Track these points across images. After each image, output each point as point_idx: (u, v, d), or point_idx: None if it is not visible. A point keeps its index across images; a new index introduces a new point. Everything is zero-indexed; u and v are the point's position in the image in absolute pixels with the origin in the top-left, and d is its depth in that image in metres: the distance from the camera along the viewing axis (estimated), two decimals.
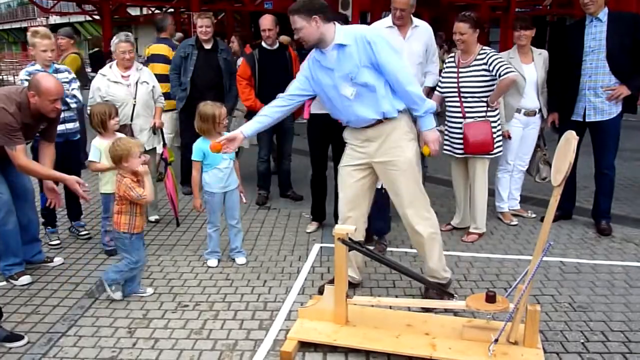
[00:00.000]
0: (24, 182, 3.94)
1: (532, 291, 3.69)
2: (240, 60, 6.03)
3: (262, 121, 3.53)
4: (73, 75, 4.61)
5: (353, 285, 3.65)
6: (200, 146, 3.99)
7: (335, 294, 3.07)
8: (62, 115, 4.34)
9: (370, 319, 3.16)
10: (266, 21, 5.42)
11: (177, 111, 5.96)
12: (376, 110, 3.28)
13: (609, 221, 4.81)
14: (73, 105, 4.45)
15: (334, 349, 2.98)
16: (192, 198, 4.33)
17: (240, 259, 4.20)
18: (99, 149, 4.23)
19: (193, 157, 4.03)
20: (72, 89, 4.47)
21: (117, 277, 3.57)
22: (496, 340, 2.77)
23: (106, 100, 4.63)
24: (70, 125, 4.46)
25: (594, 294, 3.66)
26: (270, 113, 3.54)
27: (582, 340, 3.09)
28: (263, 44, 5.48)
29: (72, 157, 4.40)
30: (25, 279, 3.83)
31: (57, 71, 4.40)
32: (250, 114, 5.65)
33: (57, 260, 4.20)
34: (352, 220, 3.46)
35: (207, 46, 5.70)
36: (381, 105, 3.26)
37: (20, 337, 3.11)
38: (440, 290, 3.29)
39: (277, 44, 5.53)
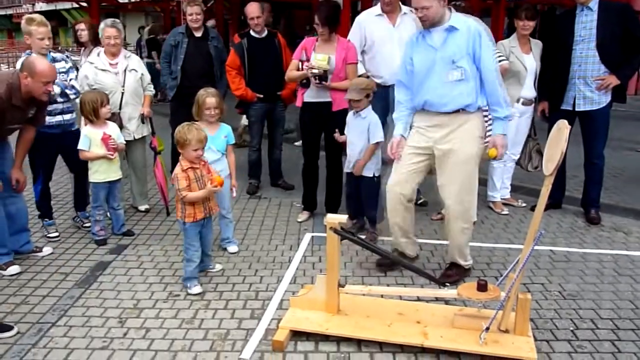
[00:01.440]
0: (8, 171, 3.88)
1: (523, 280, 3.70)
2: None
3: (406, 114, 3.65)
4: (70, 64, 4.54)
5: (412, 260, 3.79)
6: None
7: (327, 283, 3.07)
8: (60, 107, 4.29)
9: (362, 308, 3.16)
10: (252, 8, 5.31)
11: (169, 100, 5.91)
12: (462, 99, 3.38)
13: (598, 210, 4.85)
14: (72, 97, 4.36)
15: (325, 337, 2.98)
16: None
17: (232, 247, 4.18)
18: (88, 137, 4.18)
19: None
20: (70, 80, 4.40)
21: (191, 273, 3.56)
22: (487, 329, 2.79)
23: (94, 89, 4.58)
24: (67, 117, 4.38)
25: (583, 282, 3.69)
26: (407, 102, 3.64)
27: (571, 328, 3.12)
28: (251, 32, 5.39)
29: (73, 147, 4.33)
30: (13, 269, 3.80)
31: (54, 60, 4.33)
32: (240, 103, 5.61)
33: (46, 250, 4.16)
34: (401, 193, 3.61)
35: (198, 34, 5.63)
36: (468, 96, 3.37)
37: (10, 328, 3.08)
38: (431, 279, 3.31)
39: (266, 32, 5.45)
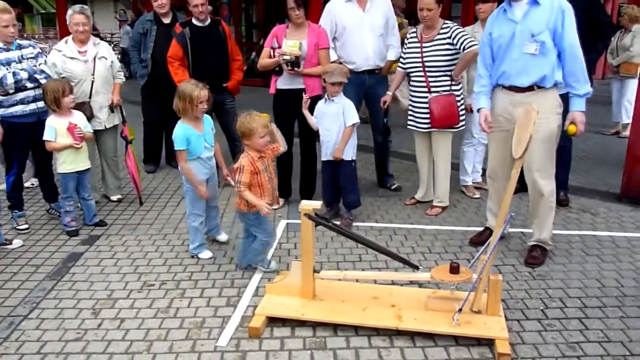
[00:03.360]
0: None
1: (494, 262, 3.79)
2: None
3: (488, 88, 3.73)
4: (39, 49, 4.42)
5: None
6: (181, 133, 3.67)
7: (302, 269, 3.09)
8: (33, 94, 4.18)
9: (337, 293, 3.19)
10: None
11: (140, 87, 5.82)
12: (538, 73, 3.44)
13: (566, 192, 4.96)
14: (43, 82, 4.20)
15: (302, 323, 3.00)
16: (155, 176, 4.22)
17: (222, 237, 4.11)
18: (53, 127, 4.09)
19: (177, 147, 3.68)
20: (40, 64, 4.28)
21: (259, 256, 3.61)
22: (460, 310, 2.84)
23: (63, 77, 4.48)
24: (41, 104, 4.21)
25: (552, 262, 3.78)
26: (486, 77, 3.72)
27: (541, 308, 3.20)
28: (194, 20, 5.11)
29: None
30: None
31: (20, 47, 4.22)
32: None
33: (16, 242, 4.09)
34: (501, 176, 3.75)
35: (166, 20, 5.54)
36: (544, 70, 3.42)
37: None
38: (405, 262, 3.35)
39: (209, 20, 5.17)
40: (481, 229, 4.18)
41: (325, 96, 4.30)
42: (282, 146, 3.59)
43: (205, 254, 3.90)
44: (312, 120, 4.37)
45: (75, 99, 4.23)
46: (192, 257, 3.90)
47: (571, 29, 3.40)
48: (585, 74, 3.47)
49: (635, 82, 7.28)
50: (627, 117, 7.25)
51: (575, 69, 3.42)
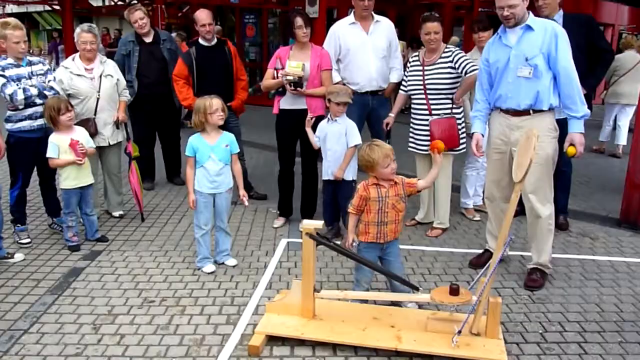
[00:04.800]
0: None
1: (494, 284, 3.80)
2: None
3: (484, 113, 3.83)
4: (48, 66, 4.49)
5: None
6: (192, 142, 3.82)
7: (303, 288, 3.10)
8: (41, 109, 4.21)
9: (337, 313, 3.20)
10: (204, 15, 5.16)
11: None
12: (533, 95, 3.51)
13: (566, 216, 4.98)
14: None
15: (301, 342, 3.01)
16: (157, 192, 4.25)
17: (230, 261, 4.07)
18: (56, 144, 4.13)
19: (186, 153, 3.87)
20: (49, 81, 4.34)
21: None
22: (459, 332, 2.85)
23: (69, 94, 4.54)
24: None
25: (552, 286, 3.79)
26: (483, 102, 3.82)
27: (540, 331, 3.21)
28: (200, 40, 5.23)
29: None
30: None
31: (30, 63, 4.28)
32: (190, 114, 5.57)
33: (18, 256, 4.10)
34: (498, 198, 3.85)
35: (148, 39, 5.60)
36: (539, 94, 3.49)
37: None
38: (405, 283, 3.36)
39: (215, 40, 5.29)
40: (481, 251, 4.20)
41: (329, 116, 4.35)
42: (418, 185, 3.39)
43: (208, 267, 3.94)
44: (314, 138, 4.43)
45: (73, 117, 4.22)
46: (197, 269, 3.96)
47: (565, 53, 3.46)
48: (582, 96, 3.53)
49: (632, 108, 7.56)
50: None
51: (571, 91, 3.48)
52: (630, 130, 7.32)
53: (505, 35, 3.60)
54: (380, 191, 3.21)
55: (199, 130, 3.86)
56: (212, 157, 3.83)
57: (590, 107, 4.97)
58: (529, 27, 3.50)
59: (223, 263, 4.07)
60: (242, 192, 4.02)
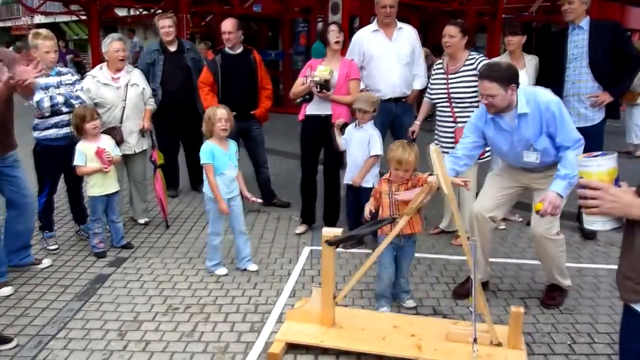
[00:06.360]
0: (23, 191, 3.90)
1: (520, 294, 3.76)
2: None
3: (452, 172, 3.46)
4: (77, 77, 4.59)
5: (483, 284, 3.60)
6: (207, 148, 3.87)
7: (322, 296, 3.10)
8: (67, 118, 4.31)
9: (357, 321, 3.19)
10: (226, 24, 5.22)
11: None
12: (546, 162, 3.35)
13: None
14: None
15: (325, 351, 3.00)
16: (181, 200, 4.29)
17: (252, 267, 4.11)
18: (83, 152, 4.20)
19: (204, 161, 3.87)
20: (76, 90, 4.43)
21: (382, 291, 3.50)
22: (475, 340, 2.77)
23: (95, 102, 4.62)
24: None
25: (580, 296, 3.72)
26: (461, 166, 3.52)
27: (569, 342, 3.15)
28: (226, 48, 5.31)
29: None
30: (6, 291, 3.71)
31: (59, 73, 4.38)
32: None
33: (46, 262, 4.17)
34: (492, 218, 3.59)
35: (172, 48, 5.67)
36: (553, 158, 3.31)
37: (10, 340, 3.09)
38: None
39: (241, 48, 5.35)
40: (506, 260, 4.15)
41: (356, 121, 4.37)
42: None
43: (221, 270, 4.03)
44: (341, 140, 4.43)
45: (98, 125, 4.29)
46: (209, 274, 4.02)
47: (564, 129, 3.21)
48: (575, 162, 3.18)
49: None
50: (636, 138, 8.20)
51: (565, 157, 3.23)
52: None
53: (501, 119, 3.32)
54: (390, 186, 3.43)
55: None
56: (230, 164, 3.92)
57: (617, 115, 4.93)
58: (523, 114, 3.23)
59: (245, 269, 4.09)
60: (246, 194, 4.09)
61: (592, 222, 1.80)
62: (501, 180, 3.62)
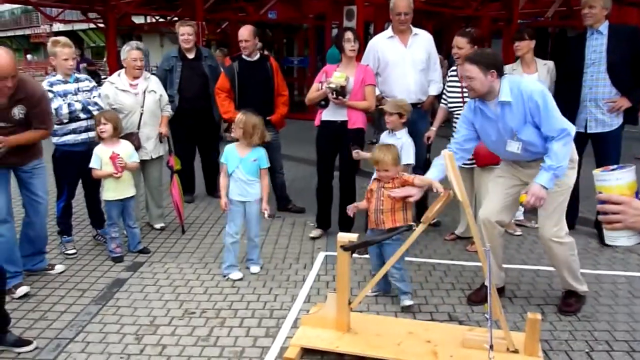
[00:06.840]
0: (36, 197, 3.95)
1: (537, 300, 3.73)
2: None
3: (440, 169, 3.42)
4: (94, 83, 4.66)
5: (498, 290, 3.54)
6: (226, 150, 4.09)
7: (338, 301, 3.10)
8: (85, 124, 4.38)
9: (372, 327, 3.19)
10: (243, 31, 5.28)
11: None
12: (535, 153, 3.32)
13: None
14: (95, 113, 4.39)
15: (340, 356, 3.00)
16: (197, 205, 4.33)
17: (254, 268, 4.18)
18: (99, 156, 4.27)
19: (221, 160, 4.14)
20: (94, 97, 4.50)
21: (405, 287, 3.64)
22: (491, 347, 2.75)
23: (114, 108, 4.68)
24: (92, 134, 4.39)
25: (598, 303, 3.68)
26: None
27: (587, 350, 3.11)
28: (243, 55, 5.37)
29: None
30: (23, 290, 3.76)
31: (77, 80, 4.45)
32: (230, 127, 5.65)
33: (59, 267, 4.21)
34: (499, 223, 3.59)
35: (190, 55, 5.73)
36: (541, 149, 3.28)
37: (29, 342, 3.13)
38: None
39: (258, 55, 5.42)
40: (522, 266, 4.11)
41: (389, 128, 4.36)
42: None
43: (235, 274, 4.06)
44: (368, 155, 4.33)
45: (108, 130, 4.29)
46: (225, 278, 4.05)
47: (547, 117, 3.16)
48: (563, 154, 3.18)
49: None
50: None
51: (551, 147, 3.19)
52: None
53: (486, 107, 3.33)
54: (379, 184, 3.65)
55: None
56: (240, 168, 4.00)
57: (636, 120, 4.88)
58: (505, 102, 3.22)
59: (248, 268, 4.20)
60: (264, 205, 4.14)
61: (616, 238, 1.72)
62: (503, 181, 3.60)
